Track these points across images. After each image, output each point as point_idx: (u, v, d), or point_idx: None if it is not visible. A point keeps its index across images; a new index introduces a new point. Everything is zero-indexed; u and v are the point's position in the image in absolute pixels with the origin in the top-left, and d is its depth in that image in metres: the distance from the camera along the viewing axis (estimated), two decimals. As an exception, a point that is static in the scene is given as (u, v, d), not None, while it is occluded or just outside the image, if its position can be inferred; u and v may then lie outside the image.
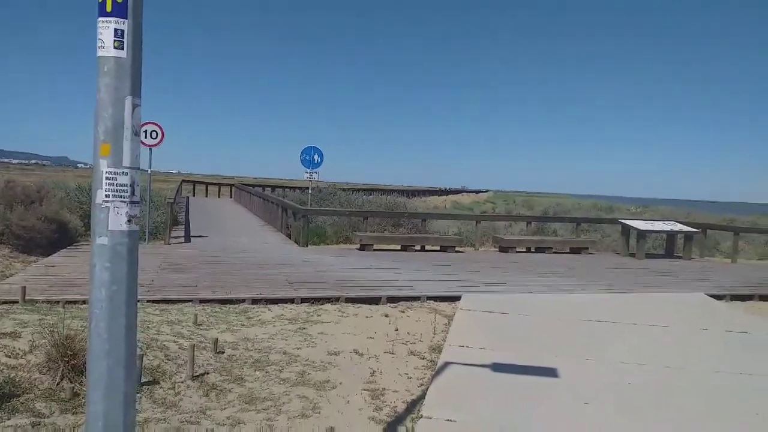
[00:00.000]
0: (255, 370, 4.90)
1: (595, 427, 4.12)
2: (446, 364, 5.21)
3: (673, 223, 15.61)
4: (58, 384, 4.17)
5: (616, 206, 31.82)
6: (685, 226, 15.17)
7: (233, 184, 38.30)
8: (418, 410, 4.25)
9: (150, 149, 12.53)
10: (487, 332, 6.51)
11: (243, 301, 7.29)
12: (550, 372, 5.19)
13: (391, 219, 16.72)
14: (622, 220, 15.75)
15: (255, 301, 7.31)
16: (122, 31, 1.97)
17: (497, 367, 5.22)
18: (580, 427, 4.11)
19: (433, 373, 5.08)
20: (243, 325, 6.25)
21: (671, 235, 15.23)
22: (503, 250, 14.45)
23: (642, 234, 14.30)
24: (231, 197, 35.67)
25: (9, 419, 3.67)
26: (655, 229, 14.84)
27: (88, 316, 1.97)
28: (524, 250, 14.66)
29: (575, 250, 14.89)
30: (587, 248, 15.04)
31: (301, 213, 14.26)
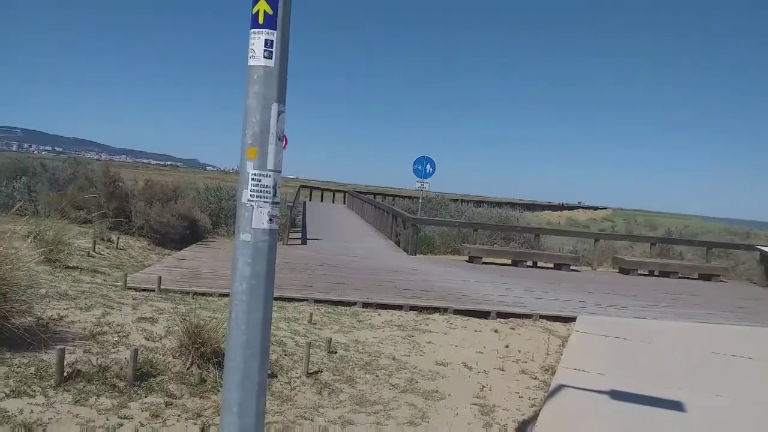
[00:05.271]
0: (365, 373, 4.99)
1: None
2: (560, 387, 4.99)
3: (824, 253, 13.89)
4: (188, 369, 4.50)
5: (752, 231, 28.90)
6: (839, 258, 13.44)
7: (347, 191, 39.49)
8: (530, 431, 4.11)
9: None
10: (605, 357, 6.16)
11: (354, 303, 7.47)
12: (675, 405, 4.80)
13: (502, 232, 16.39)
14: (761, 247, 14.27)
15: (365, 305, 7.47)
16: (272, 41, 2.09)
17: (615, 395, 4.92)
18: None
19: (546, 394, 4.89)
20: (354, 327, 6.40)
21: (822, 267, 13.56)
22: (623, 271, 13.64)
23: (786, 263, 12.87)
24: (344, 203, 36.77)
25: (146, 396, 4.01)
26: (802, 258, 13.29)
27: (229, 307, 2.10)
28: (647, 273, 13.75)
29: (705, 277, 13.72)
30: (719, 275, 13.80)
31: (411, 222, 14.38)
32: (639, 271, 13.62)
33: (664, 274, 13.65)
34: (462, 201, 30.65)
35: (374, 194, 37.35)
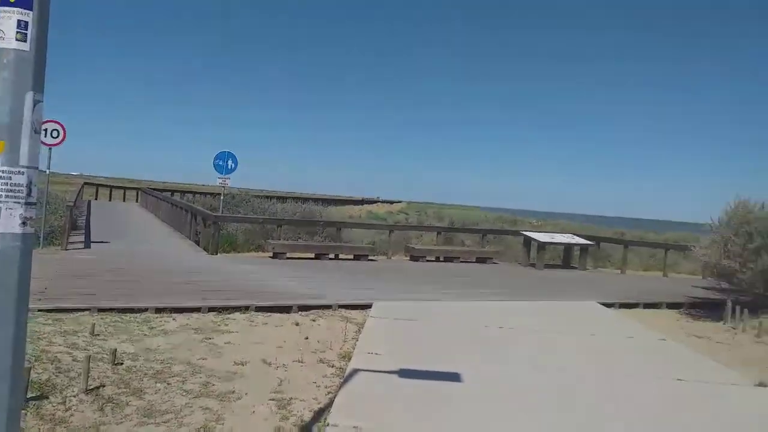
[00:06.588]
0: (156, 382, 4.72)
1: (498, 429, 4.33)
2: (355, 371, 5.27)
3: (570, 235, 16.64)
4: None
5: (519, 219, 33.41)
6: (581, 239, 16.22)
7: (140, 188, 36.59)
8: (325, 418, 4.28)
9: (50, 149, 11.79)
10: (397, 339, 6.65)
11: (146, 310, 6.99)
12: (456, 377, 5.37)
13: (306, 227, 16.65)
14: (525, 232, 16.60)
15: (159, 310, 7.04)
16: (26, 22, 1.88)
17: (405, 373, 5.34)
18: (483, 429, 4.30)
19: (342, 380, 5.13)
20: (145, 335, 6.00)
21: (568, 247, 16.23)
22: (414, 259, 14.79)
23: (542, 246, 15.14)
24: (137, 202, 34.05)
25: None
26: (554, 241, 15.76)
27: (-29, 325, 1.85)
28: (434, 259, 15.09)
29: (481, 260, 15.51)
30: (492, 258, 15.72)
31: (212, 219, 13.88)
32: (427, 258, 14.91)
33: (449, 259, 15.14)
34: (266, 197, 30.35)
35: (172, 191, 35.19)
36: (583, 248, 15.84)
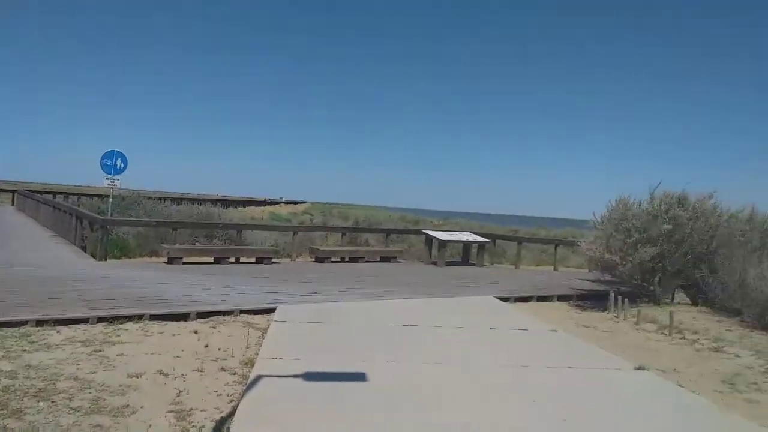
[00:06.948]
0: (38, 401, 4.34)
1: (399, 425, 4.38)
2: (258, 378, 5.14)
3: (468, 233, 17.31)
4: None
5: (421, 219, 34.27)
6: (479, 237, 16.91)
7: (15, 190, 33.56)
8: (227, 427, 4.13)
9: None
10: (301, 343, 6.56)
11: (25, 323, 6.41)
12: (360, 377, 5.39)
13: (204, 230, 16.03)
14: (426, 231, 17.05)
15: (40, 323, 6.48)
16: None
17: (310, 377, 5.28)
18: (384, 427, 4.34)
19: (245, 388, 4.98)
20: (24, 350, 5.50)
21: (467, 245, 16.85)
22: (319, 260, 14.70)
23: (443, 244, 15.62)
24: (12, 205, 31.20)
25: None
26: (453, 239, 16.31)
27: None
28: (339, 259, 15.09)
29: (385, 259, 15.73)
30: (396, 257, 15.99)
31: (99, 223, 13.02)
32: (333, 259, 14.87)
33: (354, 259, 15.20)
34: (160, 198, 28.89)
35: (54, 193, 32.60)
36: (481, 245, 16.50)
